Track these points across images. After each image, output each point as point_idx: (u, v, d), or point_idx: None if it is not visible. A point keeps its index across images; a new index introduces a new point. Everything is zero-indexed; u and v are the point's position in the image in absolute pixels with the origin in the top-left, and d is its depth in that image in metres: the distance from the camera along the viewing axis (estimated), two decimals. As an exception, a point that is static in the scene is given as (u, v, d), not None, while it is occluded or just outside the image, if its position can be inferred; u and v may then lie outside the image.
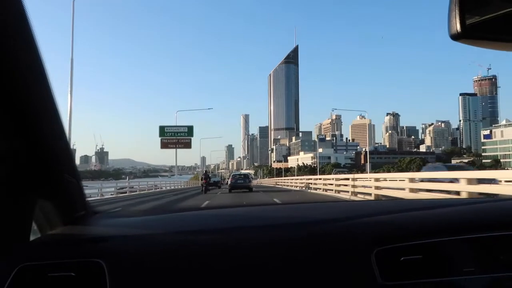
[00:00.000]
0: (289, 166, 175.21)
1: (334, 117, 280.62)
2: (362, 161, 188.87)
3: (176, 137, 50.44)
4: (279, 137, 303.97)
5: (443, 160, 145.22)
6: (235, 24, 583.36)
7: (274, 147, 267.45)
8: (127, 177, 47.95)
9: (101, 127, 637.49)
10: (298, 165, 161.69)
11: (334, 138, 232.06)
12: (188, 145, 51.07)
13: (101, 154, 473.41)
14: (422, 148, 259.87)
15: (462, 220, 1.20)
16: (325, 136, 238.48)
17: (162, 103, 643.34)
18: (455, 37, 0.83)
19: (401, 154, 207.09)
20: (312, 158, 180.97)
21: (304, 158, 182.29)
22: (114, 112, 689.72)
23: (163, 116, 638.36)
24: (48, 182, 1.02)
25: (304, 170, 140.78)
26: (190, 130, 51.08)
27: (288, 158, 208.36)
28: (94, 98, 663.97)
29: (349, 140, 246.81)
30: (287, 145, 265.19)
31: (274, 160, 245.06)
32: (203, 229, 1.14)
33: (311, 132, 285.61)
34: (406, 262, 1.04)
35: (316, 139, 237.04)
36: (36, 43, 0.81)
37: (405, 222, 1.18)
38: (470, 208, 1.35)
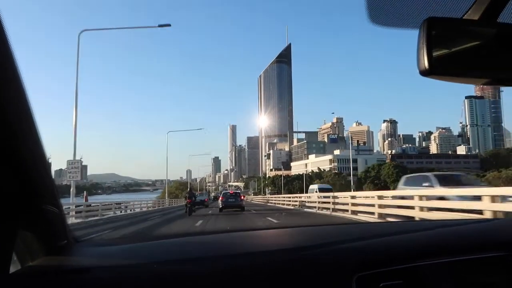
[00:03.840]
0: (291, 174, 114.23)
1: (335, 120, 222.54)
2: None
3: None
4: (275, 141, 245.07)
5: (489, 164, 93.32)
6: (219, 26, 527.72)
7: (270, 152, 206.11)
8: (83, 193, 29.18)
9: (82, 140, 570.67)
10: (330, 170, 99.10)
11: (350, 139, 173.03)
12: None
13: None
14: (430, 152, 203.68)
15: (442, 243, 1.16)
16: (337, 136, 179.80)
17: (146, 116, 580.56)
18: (424, 73, 0.86)
19: (436, 157, 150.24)
20: (331, 161, 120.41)
21: (317, 162, 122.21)
22: (98, 127, 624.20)
23: (148, 128, 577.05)
24: (28, 212, 0.94)
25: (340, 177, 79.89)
26: None
27: (292, 164, 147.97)
28: (81, 118, 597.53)
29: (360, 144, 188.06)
30: (286, 149, 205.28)
31: (272, 168, 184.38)
32: (190, 258, 1.08)
33: (316, 132, 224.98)
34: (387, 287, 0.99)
35: (325, 140, 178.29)
36: (16, 65, 0.73)
37: (386, 246, 1.13)
38: (451, 231, 1.31)
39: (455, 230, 1.32)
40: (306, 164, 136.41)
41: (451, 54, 0.89)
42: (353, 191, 42.27)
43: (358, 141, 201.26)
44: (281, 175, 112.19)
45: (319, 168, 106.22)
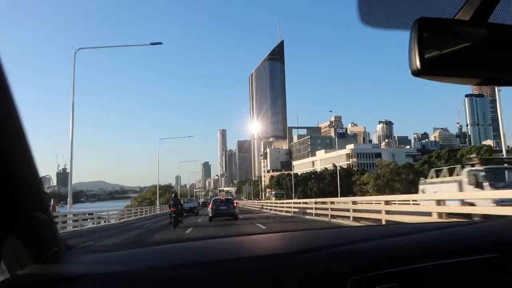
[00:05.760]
0: (298, 173, 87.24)
1: (333, 118, 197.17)
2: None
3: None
4: (271, 139, 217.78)
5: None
6: (207, 25, 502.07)
7: (267, 150, 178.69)
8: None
9: (66, 147, 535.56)
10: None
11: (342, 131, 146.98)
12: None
13: (64, 175, 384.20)
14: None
15: (437, 245, 1.14)
16: (346, 131, 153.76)
17: (134, 122, 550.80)
18: (416, 73, 0.84)
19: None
20: (349, 157, 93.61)
21: (328, 159, 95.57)
22: (87, 134, 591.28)
23: (136, 134, 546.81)
24: (17, 220, 0.90)
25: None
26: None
27: (294, 163, 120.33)
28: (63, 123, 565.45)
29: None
30: (285, 147, 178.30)
31: (269, 168, 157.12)
32: (182, 264, 1.04)
33: (318, 128, 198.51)
34: None
35: (333, 135, 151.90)
36: (7, 79, 0.74)
37: (380, 249, 1.10)
38: (445, 233, 1.30)
39: (449, 232, 1.32)
40: (313, 162, 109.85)
41: (442, 54, 0.88)
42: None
43: (364, 138, 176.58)
44: (288, 174, 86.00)
45: (334, 165, 79.61)
